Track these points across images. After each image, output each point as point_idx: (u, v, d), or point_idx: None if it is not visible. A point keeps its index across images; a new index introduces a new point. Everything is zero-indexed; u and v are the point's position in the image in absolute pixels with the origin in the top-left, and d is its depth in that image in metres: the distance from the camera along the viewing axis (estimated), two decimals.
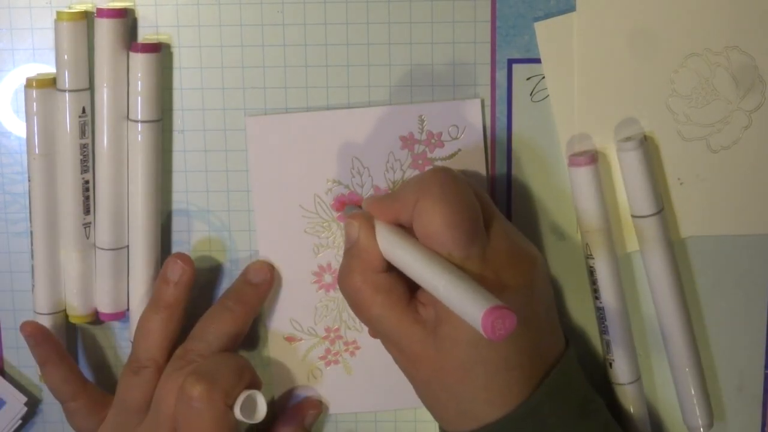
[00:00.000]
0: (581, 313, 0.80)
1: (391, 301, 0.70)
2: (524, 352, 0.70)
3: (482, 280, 0.67)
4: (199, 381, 0.71)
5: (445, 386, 0.70)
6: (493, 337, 0.61)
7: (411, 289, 0.71)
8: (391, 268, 0.71)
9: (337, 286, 0.78)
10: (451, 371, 0.69)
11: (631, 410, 0.79)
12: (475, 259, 0.69)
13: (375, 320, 0.71)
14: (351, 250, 0.72)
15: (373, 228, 0.71)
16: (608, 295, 0.77)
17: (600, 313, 0.78)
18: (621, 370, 0.78)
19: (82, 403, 0.78)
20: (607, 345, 0.78)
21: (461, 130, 0.77)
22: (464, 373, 0.69)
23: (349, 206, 0.77)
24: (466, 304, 0.64)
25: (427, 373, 0.70)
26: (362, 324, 0.79)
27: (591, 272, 0.77)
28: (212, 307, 0.77)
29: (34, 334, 0.76)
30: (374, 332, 0.73)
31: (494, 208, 0.73)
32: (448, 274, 0.66)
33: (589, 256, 0.77)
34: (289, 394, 0.81)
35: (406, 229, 0.71)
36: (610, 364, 0.79)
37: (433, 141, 0.77)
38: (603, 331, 0.78)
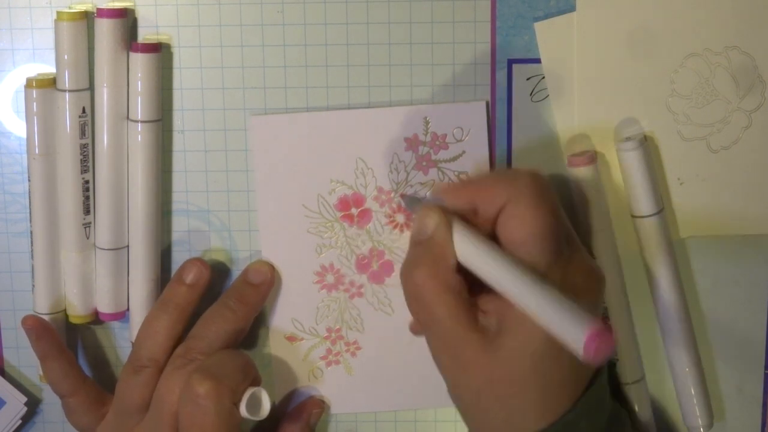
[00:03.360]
0: None
1: (458, 303, 0.68)
2: (574, 368, 0.69)
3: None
4: (206, 379, 0.72)
5: (498, 397, 0.68)
6: (593, 361, 0.61)
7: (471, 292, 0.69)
8: (459, 271, 0.69)
9: (339, 287, 0.79)
10: (507, 383, 0.68)
11: (636, 409, 0.79)
12: (557, 274, 0.67)
13: (435, 320, 0.69)
14: (423, 243, 0.69)
15: (450, 224, 0.68)
16: (610, 295, 0.77)
17: (603, 313, 0.78)
18: (625, 370, 0.79)
19: (81, 399, 0.78)
20: None
21: (466, 132, 0.77)
22: (520, 387, 0.68)
23: (411, 196, 0.76)
24: (567, 323, 0.62)
25: (478, 382, 0.69)
26: (363, 325, 0.79)
27: None
28: (213, 306, 0.77)
29: (35, 327, 0.77)
30: (426, 331, 0.70)
31: (570, 224, 0.71)
32: (541, 289, 0.64)
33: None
34: (290, 393, 0.81)
35: (478, 221, 0.69)
36: (614, 364, 0.79)
37: (437, 143, 0.77)
38: None
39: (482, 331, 0.68)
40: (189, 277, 0.77)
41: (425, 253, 0.69)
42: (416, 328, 0.74)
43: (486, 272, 0.67)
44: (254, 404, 0.74)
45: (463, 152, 0.77)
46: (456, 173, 0.77)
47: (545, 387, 0.68)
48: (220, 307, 0.77)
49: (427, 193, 0.76)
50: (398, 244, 0.78)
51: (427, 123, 0.77)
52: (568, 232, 0.70)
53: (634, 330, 0.79)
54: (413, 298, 0.69)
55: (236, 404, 0.73)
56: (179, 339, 0.76)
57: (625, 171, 0.76)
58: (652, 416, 0.80)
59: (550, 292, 0.64)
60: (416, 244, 0.70)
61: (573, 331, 0.62)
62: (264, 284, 0.78)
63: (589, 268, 0.70)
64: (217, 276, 0.79)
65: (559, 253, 0.68)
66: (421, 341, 0.78)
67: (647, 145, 0.76)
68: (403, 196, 0.77)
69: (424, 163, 0.77)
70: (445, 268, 0.68)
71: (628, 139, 0.76)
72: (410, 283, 0.69)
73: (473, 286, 0.69)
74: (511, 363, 0.68)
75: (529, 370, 0.68)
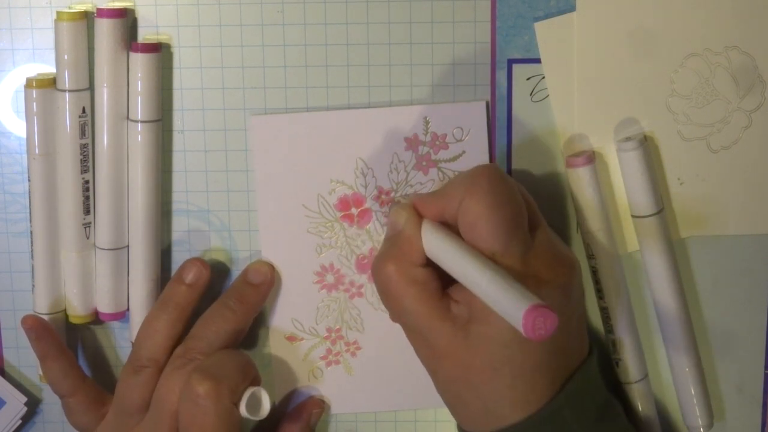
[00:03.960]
0: (589, 312, 0.80)
1: (424, 294, 0.70)
2: (552, 355, 0.70)
3: (521, 280, 0.66)
4: (205, 378, 0.72)
5: (471, 384, 0.70)
6: (533, 336, 0.61)
7: (444, 285, 0.71)
8: (427, 264, 0.71)
9: (339, 287, 0.79)
10: (479, 370, 0.69)
11: (640, 408, 0.79)
12: (517, 259, 0.69)
13: (405, 312, 0.71)
14: (393, 238, 0.72)
15: (419, 221, 0.71)
16: (611, 295, 0.77)
17: (604, 313, 0.78)
18: (627, 369, 0.79)
19: (80, 399, 0.78)
20: (612, 344, 0.78)
21: (466, 132, 0.77)
22: (492, 373, 0.69)
23: (396, 202, 0.77)
24: (508, 301, 0.63)
25: (452, 371, 0.70)
26: (363, 325, 0.79)
27: (593, 272, 0.77)
28: (213, 306, 0.77)
29: (35, 327, 0.77)
30: (400, 323, 0.73)
31: (538, 212, 0.73)
32: (490, 271, 0.66)
33: (590, 257, 0.77)
34: (290, 393, 0.81)
35: (451, 227, 0.71)
36: (617, 363, 0.79)
37: (437, 143, 0.77)
38: (608, 330, 0.78)
39: (453, 320, 0.70)
40: (189, 277, 0.77)
41: (393, 247, 0.71)
42: (395, 318, 0.75)
43: (445, 260, 0.69)
44: (254, 404, 0.74)
45: (463, 152, 0.77)
46: (456, 173, 0.77)
47: (518, 373, 0.69)
48: (219, 307, 0.77)
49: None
50: None
51: (427, 123, 0.77)
52: (533, 218, 0.71)
53: (637, 330, 0.79)
54: (382, 291, 0.72)
55: (236, 404, 0.73)
56: (179, 339, 0.76)
57: (625, 171, 0.76)
58: (657, 415, 0.80)
59: (493, 273, 0.65)
60: (387, 239, 0.73)
61: (512, 309, 0.63)
62: (264, 284, 0.78)
63: (555, 254, 0.71)
64: (217, 276, 0.79)
65: (517, 238, 0.69)
66: None
67: (647, 145, 0.76)
68: (392, 204, 0.78)
69: (424, 163, 0.77)
70: (410, 261, 0.71)
71: (628, 138, 0.76)
72: (379, 276, 0.72)
73: (447, 278, 0.70)
74: (481, 349, 0.69)
75: (499, 356, 0.69)
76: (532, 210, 0.72)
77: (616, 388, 0.79)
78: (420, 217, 0.72)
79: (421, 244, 0.71)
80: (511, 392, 0.69)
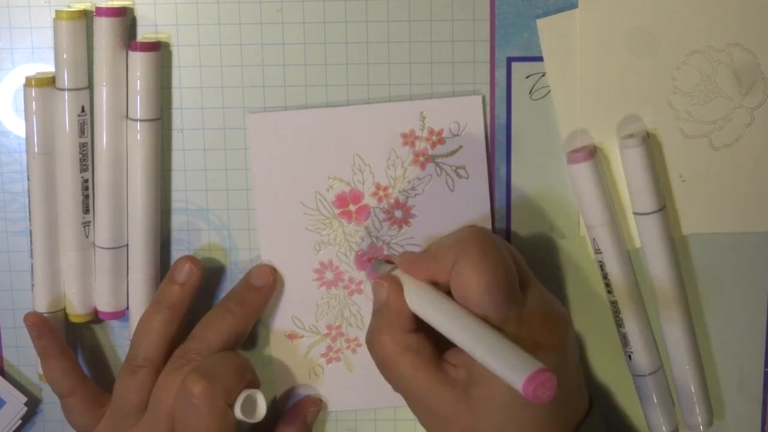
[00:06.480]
0: (595, 308, 0.80)
1: (420, 361, 0.71)
2: (554, 412, 0.70)
3: (518, 342, 0.67)
4: (200, 379, 0.71)
5: None
6: (535, 401, 0.62)
7: (439, 348, 0.71)
8: (419, 329, 0.71)
9: (339, 284, 0.79)
10: None
11: (655, 400, 0.79)
12: (512, 322, 0.69)
13: (404, 380, 0.71)
14: (380, 311, 0.72)
15: (401, 289, 0.72)
16: (620, 289, 0.77)
17: (614, 307, 0.78)
18: (640, 362, 0.79)
19: (79, 398, 0.78)
20: (624, 338, 0.78)
21: (462, 126, 0.77)
22: None
23: (377, 260, 0.78)
24: (507, 367, 0.64)
25: None
26: (363, 321, 0.79)
27: (601, 267, 0.77)
28: (214, 309, 0.77)
29: (37, 324, 0.77)
30: (402, 394, 0.73)
31: (527, 269, 0.73)
32: (487, 337, 0.66)
33: (597, 251, 0.76)
34: (291, 391, 0.81)
35: (441, 287, 0.71)
36: (629, 357, 0.79)
37: (434, 138, 0.77)
38: (619, 324, 0.78)
39: (452, 384, 0.70)
40: (180, 276, 0.76)
41: (382, 319, 0.72)
42: (396, 388, 0.76)
43: (440, 325, 0.69)
44: (249, 406, 0.74)
45: (461, 147, 0.77)
46: (453, 168, 0.77)
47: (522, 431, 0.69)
48: (221, 309, 0.77)
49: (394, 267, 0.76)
50: (396, 240, 0.78)
51: (424, 118, 0.77)
52: (523, 277, 0.72)
53: (648, 322, 0.79)
54: (380, 364, 0.73)
55: (231, 405, 0.73)
56: (174, 338, 0.76)
57: (627, 168, 0.76)
58: (673, 406, 0.80)
59: (491, 337, 0.66)
60: (375, 312, 0.73)
61: (512, 375, 0.64)
62: (266, 287, 0.78)
63: (548, 312, 0.72)
64: (216, 275, 0.79)
65: (510, 301, 0.69)
66: None
67: (649, 142, 0.76)
68: (372, 261, 0.78)
69: (421, 159, 0.77)
70: (401, 330, 0.71)
71: (630, 136, 0.76)
72: (374, 349, 0.73)
73: (442, 342, 0.70)
74: (483, 411, 0.69)
75: (502, 417, 0.69)
76: (522, 268, 0.73)
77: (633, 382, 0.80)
78: (400, 285, 0.72)
79: (408, 311, 0.71)
80: None
